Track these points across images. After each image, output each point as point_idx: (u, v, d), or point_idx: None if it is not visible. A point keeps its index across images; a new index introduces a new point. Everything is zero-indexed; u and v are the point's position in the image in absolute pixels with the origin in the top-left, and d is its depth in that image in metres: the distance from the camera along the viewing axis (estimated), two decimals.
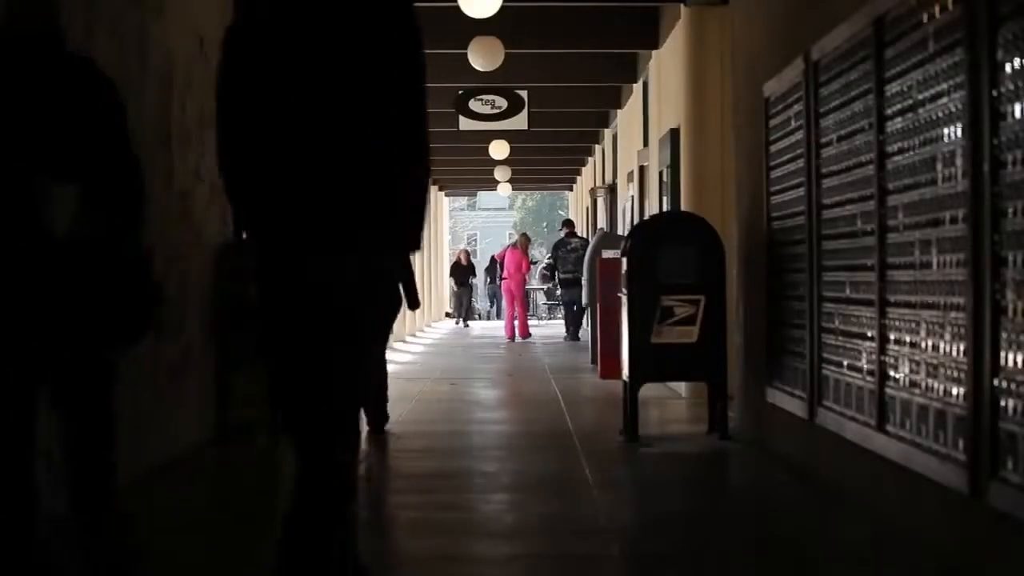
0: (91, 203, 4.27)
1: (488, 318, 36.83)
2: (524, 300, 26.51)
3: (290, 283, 4.00)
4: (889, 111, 6.14)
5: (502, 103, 19.67)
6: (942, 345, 5.44)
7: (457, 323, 31.50)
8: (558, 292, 27.08)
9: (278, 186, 4.02)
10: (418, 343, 25.02)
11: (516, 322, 25.33)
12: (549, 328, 28.65)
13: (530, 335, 24.84)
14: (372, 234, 3.98)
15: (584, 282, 18.05)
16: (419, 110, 4.05)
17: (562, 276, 22.85)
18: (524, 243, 27.50)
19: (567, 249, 22.77)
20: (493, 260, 36.50)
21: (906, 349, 5.92)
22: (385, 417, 10.12)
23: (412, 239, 4.06)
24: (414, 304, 4.34)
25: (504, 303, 27.60)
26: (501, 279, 28.11)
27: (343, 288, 3.97)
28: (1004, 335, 4.79)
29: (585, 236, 25.04)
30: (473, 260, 34.50)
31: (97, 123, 4.35)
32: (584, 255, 18.75)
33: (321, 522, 3.98)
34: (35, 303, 4.24)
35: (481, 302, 38.48)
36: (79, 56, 4.57)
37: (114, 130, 4.41)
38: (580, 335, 23.24)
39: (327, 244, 3.97)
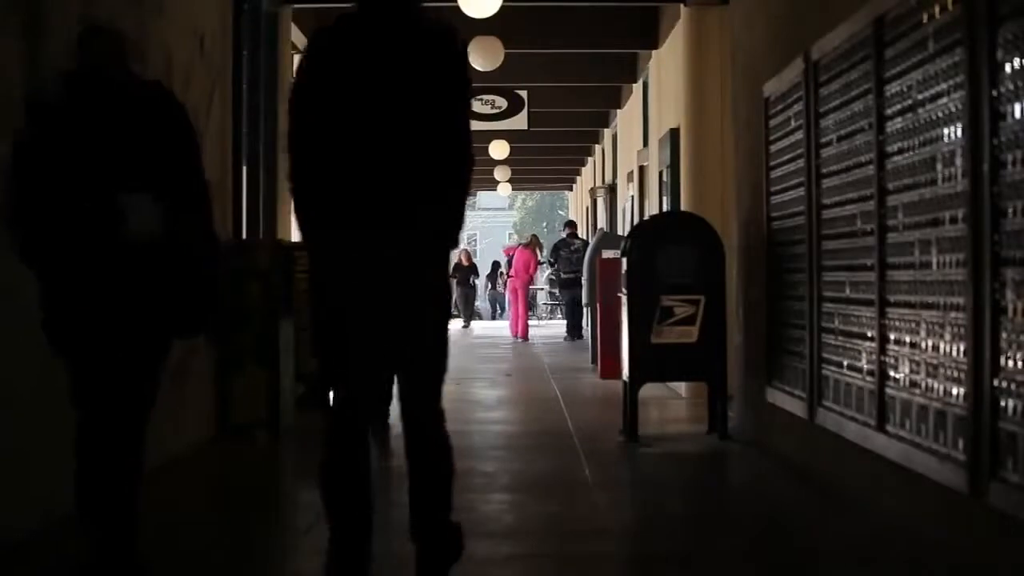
0: (166, 213, 4.93)
1: (492, 318, 36.68)
2: (527, 300, 26.59)
3: (359, 277, 4.67)
4: (889, 111, 6.13)
5: (502, 103, 19.68)
6: (942, 345, 5.44)
7: (463, 326, 30.75)
8: (556, 292, 27.16)
9: (355, 194, 4.66)
10: None
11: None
12: (549, 328, 28.65)
13: (528, 338, 24.84)
14: (431, 228, 4.70)
15: (584, 282, 18.08)
16: (466, 129, 4.78)
17: (564, 276, 22.89)
18: (536, 243, 27.71)
19: (570, 249, 22.83)
20: (495, 265, 36.32)
21: (906, 349, 5.92)
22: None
23: (455, 230, 4.79)
24: None
25: (508, 302, 27.68)
26: (508, 276, 28.15)
27: (409, 277, 4.68)
28: (1004, 335, 4.79)
29: (585, 238, 25.08)
30: (474, 260, 34.11)
31: (168, 139, 4.99)
32: (585, 255, 18.80)
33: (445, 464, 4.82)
34: (111, 297, 4.89)
35: (481, 302, 38.33)
36: (151, 82, 5.25)
37: (183, 145, 5.06)
38: (582, 334, 23.43)
39: (396, 242, 4.66)
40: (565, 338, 23.73)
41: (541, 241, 30.83)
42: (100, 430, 4.96)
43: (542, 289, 34.07)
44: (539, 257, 28.20)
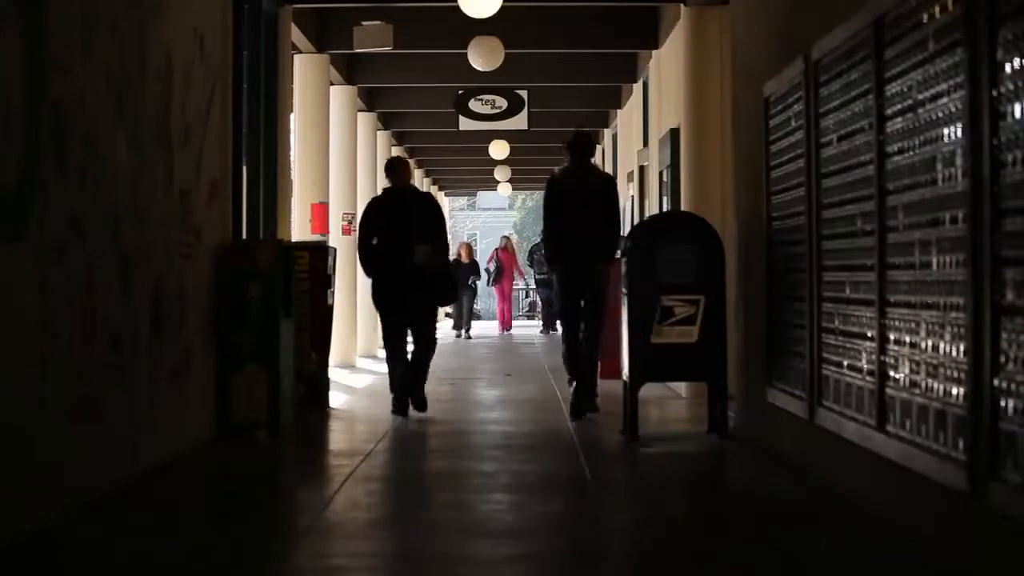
0: (431, 252, 10.98)
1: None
2: (511, 297, 29.90)
3: (576, 273, 10.88)
4: (889, 111, 6.14)
5: (502, 103, 19.67)
6: (942, 345, 5.45)
7: (458, 335, 26.94)
8: (534, 289, 29.99)
9: (574, 241, 10.78)
10: None
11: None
12: (532, 328, 29.66)
13: (511, 329, 28.20)
14: (601, 254, 10.88)
15: None
16: (618, 215, 11.18)
17: (538, 276, 25.25)
18: (511, 245, 29.91)
19: (543, 253, 23.26)
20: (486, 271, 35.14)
21: (906, 349, 5.92)
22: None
23: (612, 255, 10.99)
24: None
25: (496, 300, 29.97)
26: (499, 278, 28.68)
27: (593, 273, 10.84)
28: (1004, 335, 4.79)
29: None
30: (475, 258, 29.75)
31: (432, 219, 11.14)
32: None
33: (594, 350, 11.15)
34: (411, 290, 10.95)
35: (482, 303, 37.63)
36: (424, 192, 11.98)
37: (438, 221, 11.18)
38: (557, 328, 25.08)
39: (588, 259, 10.81)
40: (540, 331, 27.02)
41: (513, 243, 32.43)
42: (402, 351, 11.16)
43: (533, 288, 34.24)
44: (517, 257, 30.51)
